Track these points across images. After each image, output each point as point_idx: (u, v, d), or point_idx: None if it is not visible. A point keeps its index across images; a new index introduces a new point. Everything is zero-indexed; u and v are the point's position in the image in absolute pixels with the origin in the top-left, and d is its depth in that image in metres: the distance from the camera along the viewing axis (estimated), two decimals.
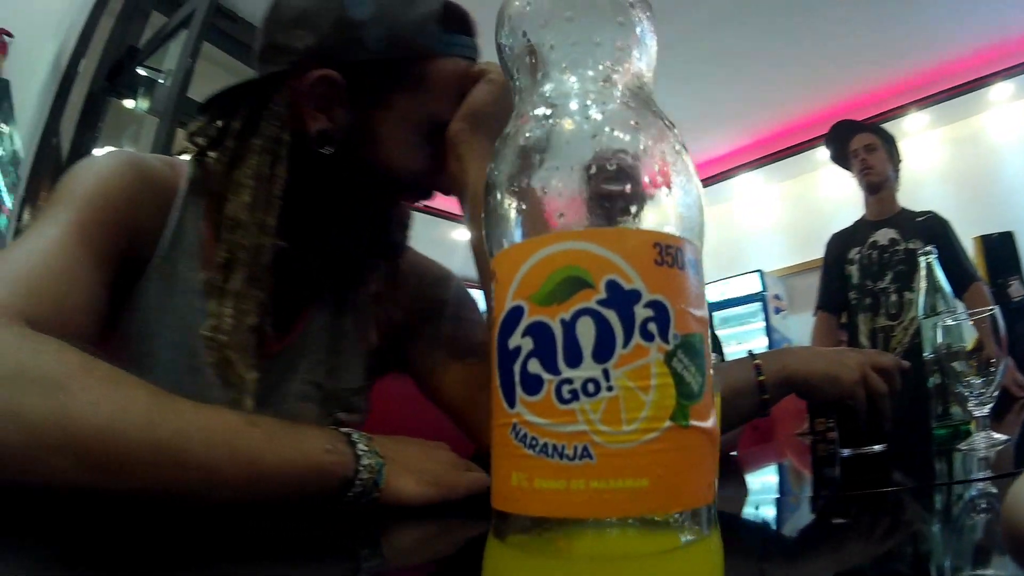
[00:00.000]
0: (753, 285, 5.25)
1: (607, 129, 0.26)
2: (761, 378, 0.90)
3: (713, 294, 5.32)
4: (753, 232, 5.61)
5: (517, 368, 0.23)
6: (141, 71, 3.44)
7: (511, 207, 0.25)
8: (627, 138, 0.25)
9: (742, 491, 0.84)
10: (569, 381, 0.22)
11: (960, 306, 1.23)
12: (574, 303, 0.22)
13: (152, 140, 2.97)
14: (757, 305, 5.23)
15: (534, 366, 0.22)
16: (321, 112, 0.69)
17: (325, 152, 0.68)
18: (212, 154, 0.72)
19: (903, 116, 4.43)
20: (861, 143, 2.44)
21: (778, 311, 5.23)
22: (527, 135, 0.26)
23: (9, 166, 2.50)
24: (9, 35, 2.50)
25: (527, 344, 0.23)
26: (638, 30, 0.29)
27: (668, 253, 0.23)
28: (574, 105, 0.27)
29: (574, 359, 0.22)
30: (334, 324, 0.82)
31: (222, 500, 0.50)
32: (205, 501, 0.50)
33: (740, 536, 0.39)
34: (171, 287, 0.69)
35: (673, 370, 0.22)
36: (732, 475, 0.95)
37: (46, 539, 0.43)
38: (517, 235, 0.25)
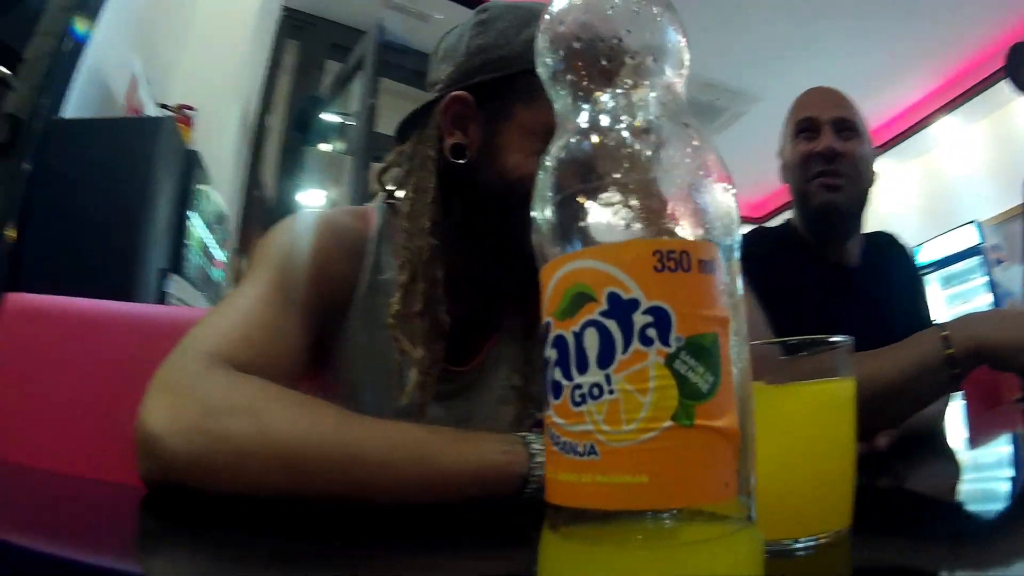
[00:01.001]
0: (970, 238, 4.68)
1: (619, 144, 0.27)
2: (949, 351, 0.83)
3: (929, 253, 4.83)
4: (961, 180, 5.02)
5: (548, 376, 0.26)
6: (327, 116, 3.78)
7: (540, 229, 0.28)
8: (634, 149, 0.26)
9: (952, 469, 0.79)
10: (579, 386, 0.24)
11: None
12: (582, 316, 0.24)
13: (350, 178, 3.24)
14: (976, 260, 4.67)
15: (557, 374, 0.25)
16: (457, 128, 0.79)
17: (460, 162, 0.78)
18: (386, 181, 0.85)
19: None
20: None
21: (999, 263, 4.63)
22: (558, 156, 0.28)
23: (216, 224, 2.83)
24: (192, 109, 2.84)
25: (553, 355, 0.25)
26: (666, 41, 0.30)
27: (671, 258, 0.24)
28: (597, 124, 0.28)
29: (583, 366, 0.24)
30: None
31: (406, 499, 0.56)
32: (391, 500, 0.56)
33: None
34: (371, 324, 0.79)
35: (675, 372, 0.23)
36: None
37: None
38: (549, 255, 0.27)
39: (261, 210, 3.84)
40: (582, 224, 0.26)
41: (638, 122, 0.28)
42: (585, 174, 0.27)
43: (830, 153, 1.32)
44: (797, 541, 0.36)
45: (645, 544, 0.23)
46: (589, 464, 0.23)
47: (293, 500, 0.55)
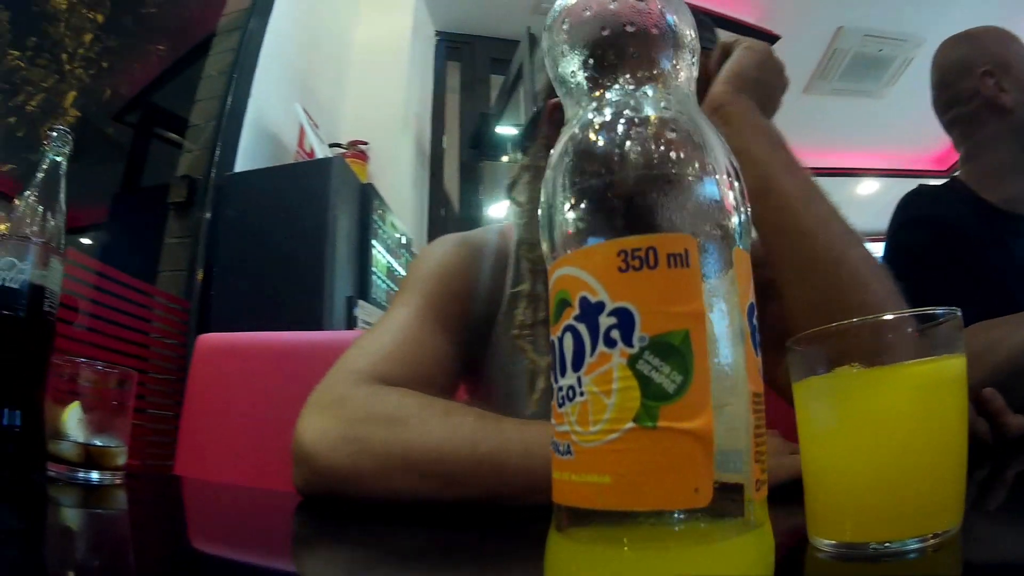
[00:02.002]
0: None
1: (607, 144, 0.27)
2: None
3: None
4: None
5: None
6: (499, 129, 3.91)
7: (543, 237, 0.29)
8: (608, 150, 0.27)
9: None
10: (561, 389, 0.25)
11: None
12: (563, 322, 0.26)
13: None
14: None
15: (552, 378, 0.26)
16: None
17: None
18: (514, 197, 0.87)
19: None
20: None
21: None
22: (556, 161, 0.29)
23: (400, 249, 3.02)
24: (365, 143, 3.04)
25: (551, 360, 0.27)
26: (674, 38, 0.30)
27: (635, 257, 0.24)
28: (579, 130, 0.29)
29: (563, 370, 0.25)
30: None
31: (540, 502, 0.59)
32: (525, 503, 0.56)
33: None
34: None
35: (638, 372, 0.23)
36: None
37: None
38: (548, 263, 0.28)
39: (447, 228, 4.05)
40: (567, 231, 0.27)
41: (623, 122, 0.28)
42: (570, 181, 0.28)
43: None
44: (901, 543, 0.32)
45: (638, 545, 0.23)
46: (568, 463, 0.24)
47: (434, 504, 0.58)
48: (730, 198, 0.26)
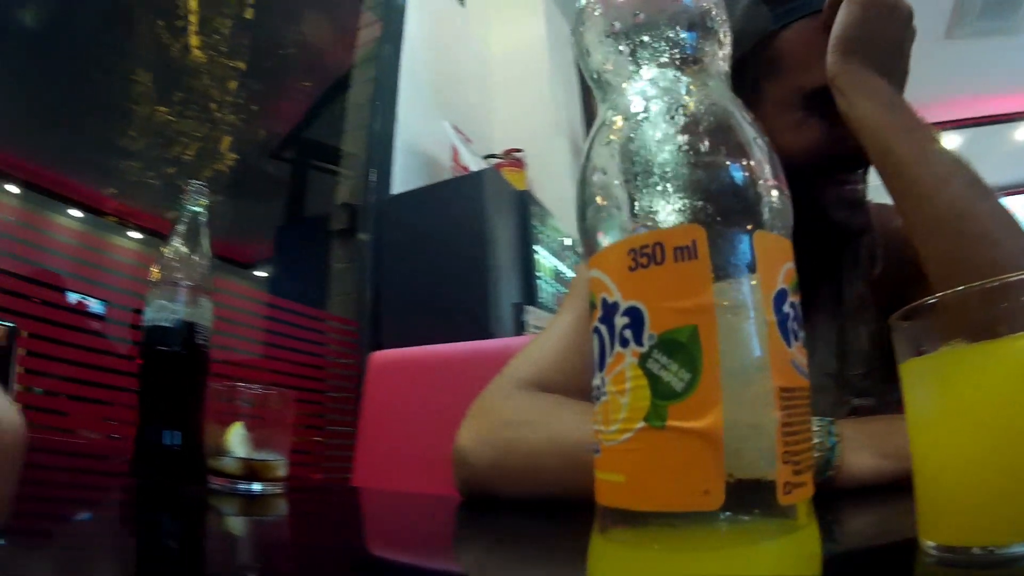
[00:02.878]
0: None
1: (638, 136, 0.27)
2: None
3: None
4: None
5: None
6: None
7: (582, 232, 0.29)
8: (627, 146, 0.26)
9: None
10: (593, 389, 0.26)
11: None
12: (592, 323, 0.26)
13: None
14: None
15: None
16: None
17: None
18: None
19: None
20: None
21: None
22: (588, 160, 0.29)
23: (564, 251, 3.03)
24: (519, 151, 3.08)
25: None
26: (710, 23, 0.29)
27: (643, 254, 0.24)
28: (607, 125, 0.28)
29: (593, 370, 0.26)
30: (835, 313, 0.84)
31: None
32: None
33: None
34: None
35: (648, 371, 0.23)
36: None
37: None
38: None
39: None
40: (591, 233, 0.27)
41: (646, 115, 0.27)
42: (593, 182, 0.27)
43: None
44: (1013, 547, 0.28)
45: (662, 546, 0.23)
46: (597, 461, 0.25)
47: (585, 498, 0.60)
48: (750, 180, 0.25)
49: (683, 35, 0.28)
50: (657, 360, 0.23)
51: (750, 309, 0.23)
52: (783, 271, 0.25)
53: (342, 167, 2.55)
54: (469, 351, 1.31)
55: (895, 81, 0.68)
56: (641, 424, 0.23)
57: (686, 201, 0.24)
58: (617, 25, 0.29)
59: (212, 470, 0.71)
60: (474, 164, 2.79)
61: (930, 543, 0.31)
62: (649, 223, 0.24)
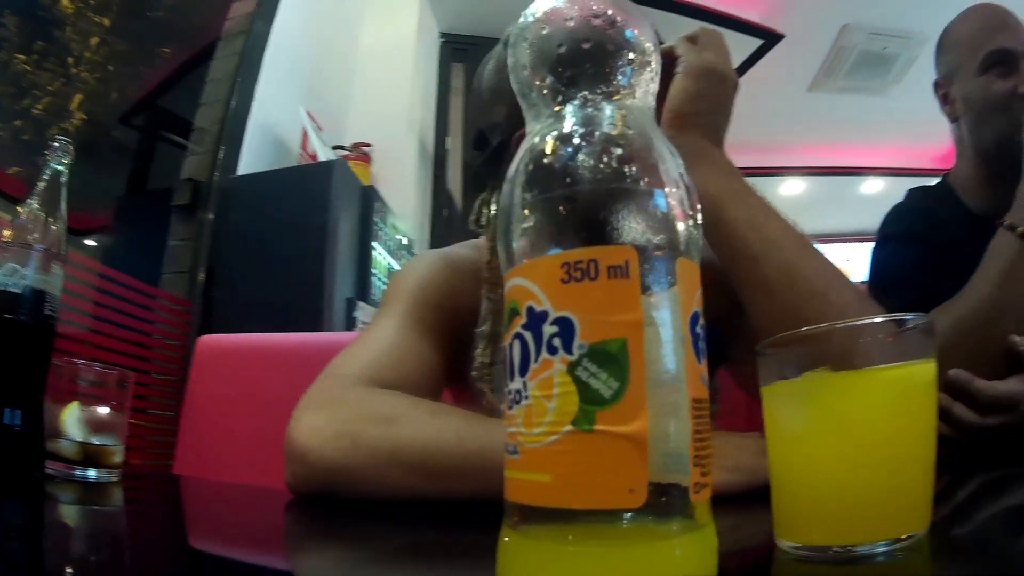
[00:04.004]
0: None
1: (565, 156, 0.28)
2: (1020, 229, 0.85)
3: None
4: None
5: None
6: None
7: (500, 251, 0.30)
8: (559, 165, 0.27)
9: None
10: (511, 392, 0.26)
11: None
12: (512, 329, 0.27)
13: None
14: None
15: (507, 381, 0.27)
16: None
17: None
18: (482, 227, 0.90)
19: None
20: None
21: None
22: (512, 175, 0.30)
23: (401, 250, 3.03)
24: (368, 145, 3.06)
25: (506, 364, 0.28)
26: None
27: (578, 268, 0.25)
28: (542, 143, 0.29)
29: (512, 375, 0.26)
30: None
31: None
32: None
33: None
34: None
35: (577, 378, 0.24)
36: None
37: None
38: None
39: (450, 229, 4.07)
40: (520, 243, 0.28)
41: (576, 138, 0.28)
42: (523, 195, 0.28)
43: None
44: (869, 546, 0.33)
45: (581, 542, 0.24)
46: (515, 462, 0.26)
47: (425, 501, 0.60)
48: (677, 210, 0.27)
49: (623, 67, 0.30)
50: (587, 368, 0.24)
51: (670, 327, 0.25)
52: (696, 295, 0.27)
53: (192, 141, 2.39)
54: (300, 343, 1.29)
55: (720, 140, 0.73)
56: (569, 427, 0.24)
57: (622, 224, 0.26)
58: (562, 49, 0.30)
59: (49, 454, 0.64)
60: (323, 153, 2.73)
61: (788, 543, 0.34)
62: (583, 241, 0.26)
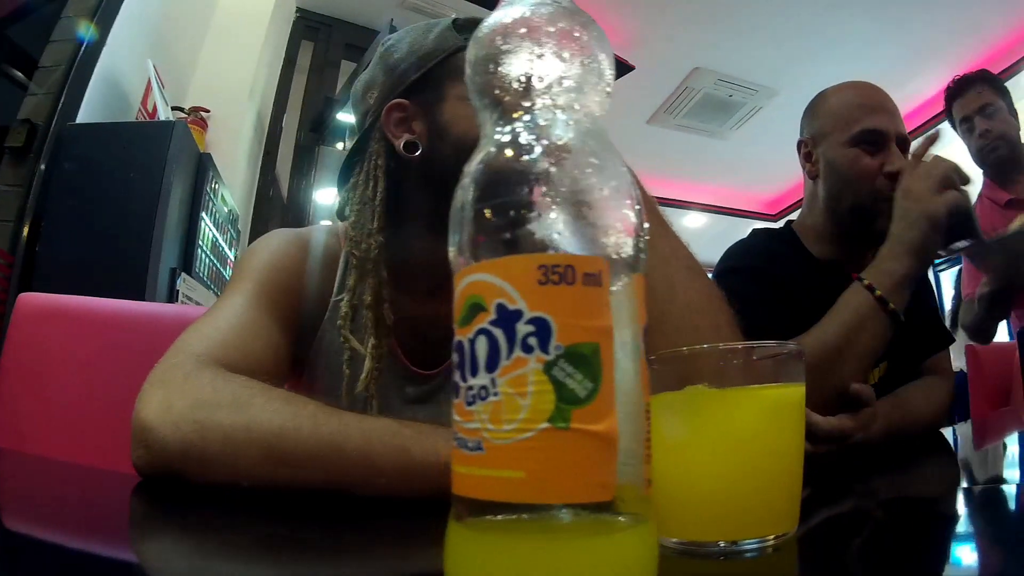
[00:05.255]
0: None
1: (521, 162, 0.29)
2: (878, 293, 0.97)
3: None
4: (978, 175, 5.00)
5: (452, 377, 0.28)
6: (342, 116, 3.81)
7: (453, 242, 0.30)
8: (530, 168, 0.28)
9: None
10: (471, 388, 0.26)
11: None
12: (475, 324, 0.27)
13: None
14: None
15: (456, 376, 0.27)
16: (402, 131, 0.88)
17: (416, 155, 0.86)
18: (345, 216, 0.91)
19: None
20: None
21: None
22: (470, 173, 0.30)
23: (227, 224, 2.87)
24: (206, 111, 2.87)
25: (455, 358, 0.28)
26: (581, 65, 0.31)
27: (555, 272, 0.26)
28: (510, 142, 0.30)
29: (474, 370, 0.26)
30: None
31: (378, 488, 0.59)
32: (364, 490, 0.59)
33: None
34: (337, 335, 0.86)
35: (553, 378, 0.25)
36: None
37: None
38: (456, 267, 0.29)
39: (275, 209, 3.89)
40: (482, 239, 0.28)
41: (544, 142, 0.29)
42: (490, 192, 0.29)
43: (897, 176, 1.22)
44: (743, 543, 0.38)
45: (532, 536, 0.25)
46: (477, 458, 0.26)
47: (277, 489, 0.59)
48: (637, 226, 0.29)
49: (589, 80, 0.31)
50: (563, 369, 0.25)
51: (629, 336, 0.27)
52: (644, 308, 0.29)
53: (34, 81, 2.12)
54: (131, 312, 1.23)
55: None
56: (545, 424, 0.24)
57: (596, 234, 0.27)
58: (531, 58, 0.30)
59: None
60: (162, 112, 2.52)
61: (673, 540, 0.38)
62: (556, 245, 0.27)
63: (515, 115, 0.31)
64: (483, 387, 0.26)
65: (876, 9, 3.64)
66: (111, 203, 2.06)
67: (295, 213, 3.90)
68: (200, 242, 2.44)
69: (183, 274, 2.28)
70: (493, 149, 0.30)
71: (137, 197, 2.08)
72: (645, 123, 4.71)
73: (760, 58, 4.14)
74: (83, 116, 2.17)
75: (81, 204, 2.04)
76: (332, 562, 0.43)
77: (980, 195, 2.09)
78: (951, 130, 2.20)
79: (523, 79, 0.31)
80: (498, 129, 0.31)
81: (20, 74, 2.42)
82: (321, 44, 3.94)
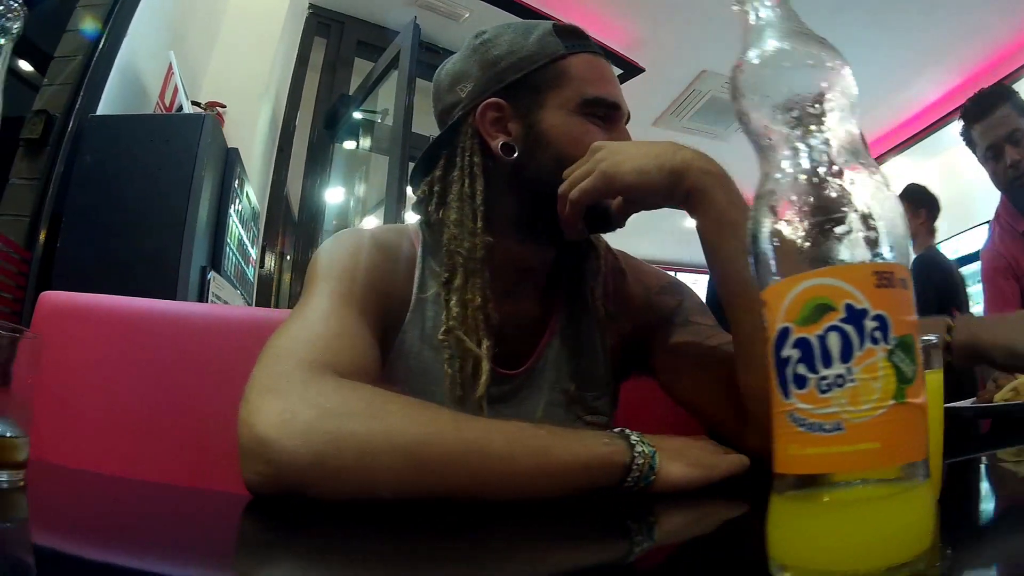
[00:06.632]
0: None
1: (828, 183, 0.34)
2: (948, 339, 0.95)
3: (946, 252, 4.92)
4: (979, 180, 5.10)
5: (790, 371, 0.32)
6: (356, 114, 3.83)
7: (772, 254, 0.35)
8: (844, 190, 0.34)
9: None
10: (825, 378, 0.31)
11: None
12: (824, 322, 0.32)
13: (385, 176, 3.28)
14: None
15: (801, 369, 0.32)
16: (498, 131, 0.89)
17: (512, 158, 0.87)
18: (430, 210, 0.91)
19: None
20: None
21: None
22: (774, 194, 0.35)
23: (251, 222, 2.88)
24: (223, 106, 2.87)
25: (795, 354, 0.32)
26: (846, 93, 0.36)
27: (885, 278, 0.32)
28: (802, 164, 0.35)
29: (828, 361, 0.31)
30: (573, 336, 0.96)
31: (518, 490, 0.60)
32: (504, 492, 0.60)
33: None
34: (420, 339, 0.86)
35: (893, 363, 0.31)
36: None
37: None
38: (779, 275, 0.34)
39: (288, 206, 3.91)
40: (816, 249, 0.33)
41: (840, 163, 0.35)
42: (819, 208, 0.34)
43: None
44: None
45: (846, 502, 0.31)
46: (836, 438, 0.31)
47: (418, 499, 0.58)
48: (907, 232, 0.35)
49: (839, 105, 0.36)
50: (898, 355, 0.31)
51: None
52: None
53: (50, 70, 2.08)
54: (161, 311, 1.16)
55: None
56: (892, 402, 0.30)
57: (898, 243, 0.33)
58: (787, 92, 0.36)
59: None
60: (184, 106, 2.52)
61: None
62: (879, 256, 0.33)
63: (814, 138, 0.35)
64: (839, 375, 0.31)
65: (879, 12, 3.73)
66: (137, 198, 2.02)
67: (309, 211, 3.91)
68: (228, 239, 2.46)
69: (212, 271, 2.30)
70: (800, 175, 0.35)
71: (166, 192, 2.05)
72: (651, 125, 4.76)
73: None
74: (101, 108, 2.14)
75: (104, 199, 1.99)
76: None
77: (997, 214, 2.10)
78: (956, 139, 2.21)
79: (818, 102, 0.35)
80: (800, 149, 0.35)
81: (26, 64, 2.37)
82: (334, 41, 3.96)
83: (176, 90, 2.45)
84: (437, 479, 0.59)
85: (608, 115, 0.89)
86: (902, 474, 0.31)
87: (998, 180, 2.02)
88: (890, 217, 0.34)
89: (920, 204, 2.85)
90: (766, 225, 0.35)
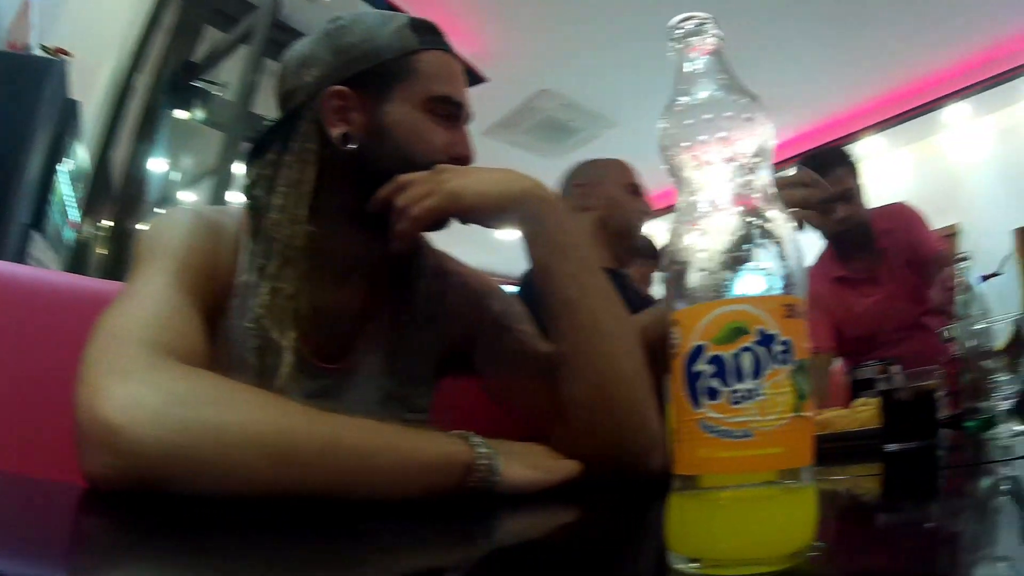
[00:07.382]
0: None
1: (749, 222, 0.39)
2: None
3: None
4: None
5: (702, 384, 0.37)
6: (198, 84, 3.60)
7: (687, 282, 0.39)
8: (762, 229, 0.39)
9: None
10: (737, 391, 0.36)
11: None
12: (740, 343, 0.36)
13: (214, 152, 3.12)
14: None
15: (714, 383, 0.36)
16: (339, 120, 0.87)
17: (350, 149, 0.86)
18: (258, 194, 0.87)
19: None
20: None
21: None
22: (692, 227, 0.40)
23: (78, 182, 2.64)
24: (69, 55, 2.62)
25: (709, 368, 0.37)
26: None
27: (790, 309, 0.37)
28: (718, 202, 0.40)
29: (740, 377, 0.36)
30: (393, 334, 0.96)
31: (372, 488, 0.61)
32: (359, 490, 0.60)
33: None
34: (241, 322, 0.83)
35: (794, 382, 0.36)
36: None
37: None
38: (694, 299, 0.39)
39: (111, 171, 3.60)
40: (731, 279, 0.38)
41: (758, 202, 0.40)
42: (736, 242, 0.39)
43: None
44: None
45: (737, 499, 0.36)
46: (744, 443, 0.35)
47: (275, 496, 0.57)
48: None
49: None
50: (799, 375, 0.37)
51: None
52: None
53: None
54: None
55: None
56: (792, 414, 0.36)
57: (795, 278, 0.39)
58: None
59: None
60: (34, 48, 2.26)
61: None
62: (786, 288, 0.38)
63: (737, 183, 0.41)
64: (750, 390, 0.36)
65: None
66: None
67: (132, 176, 3.62)
68: (52, 199, 2.23)
69: (35, 232, 2.08)
70: (704, 209, 0.40)
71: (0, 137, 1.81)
72: (482, 134, 4.83)
73: (607, 89, 4.40)
74: None
75: None
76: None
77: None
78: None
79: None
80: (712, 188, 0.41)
81: None
82: (188, 5, 3.70)
83: (29, 29, 2.17)
84: (295, 476, 0.58)
85: (452, 114, 0.92)
86: (799, 476, 0.37)
87: (825, 231, 2.30)
88: (796, 256, 0.39)
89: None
90: (684, 254, 0.40)
